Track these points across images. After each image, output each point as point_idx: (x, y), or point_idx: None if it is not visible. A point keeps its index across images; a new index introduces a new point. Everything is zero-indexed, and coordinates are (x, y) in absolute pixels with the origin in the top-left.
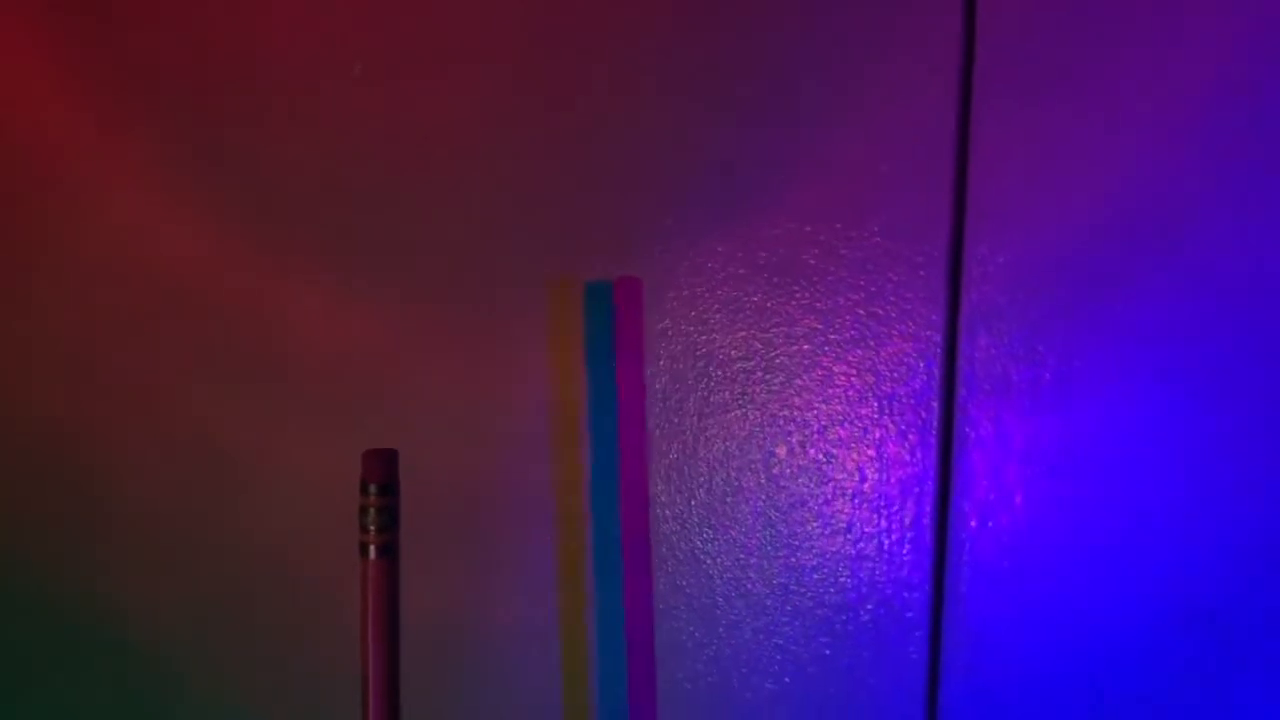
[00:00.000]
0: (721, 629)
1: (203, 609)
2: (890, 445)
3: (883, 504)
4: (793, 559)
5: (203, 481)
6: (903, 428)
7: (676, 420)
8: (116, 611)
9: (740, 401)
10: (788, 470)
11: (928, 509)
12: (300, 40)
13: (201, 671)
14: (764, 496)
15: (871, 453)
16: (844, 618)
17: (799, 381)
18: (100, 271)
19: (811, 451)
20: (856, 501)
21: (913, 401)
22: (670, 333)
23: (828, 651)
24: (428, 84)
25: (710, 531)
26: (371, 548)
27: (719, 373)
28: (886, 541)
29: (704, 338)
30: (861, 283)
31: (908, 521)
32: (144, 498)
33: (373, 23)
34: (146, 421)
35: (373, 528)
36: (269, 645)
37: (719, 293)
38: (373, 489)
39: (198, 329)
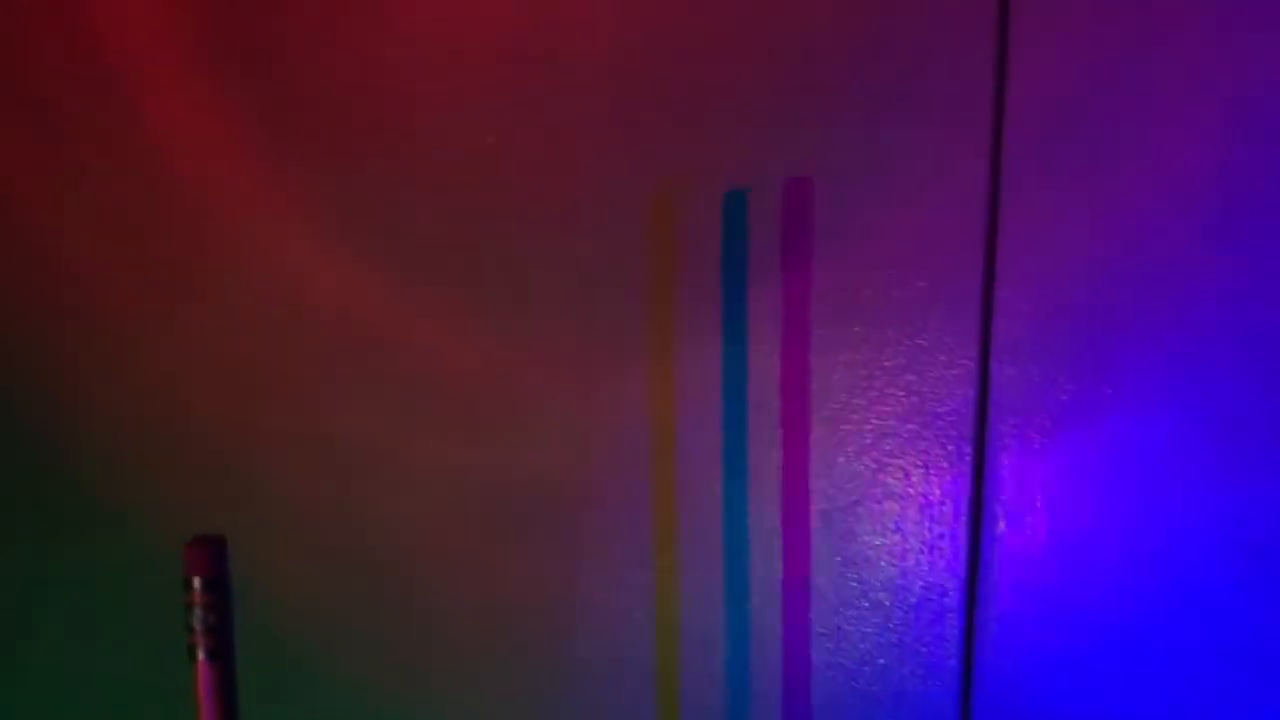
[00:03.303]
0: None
1: (341, 590)
2: (932, 456)
3: (925, 505)
4: (846, 550)
5: (345, 481)
6: (942, 441)
7: (755, 435)
8: (268, 593)
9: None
10: (845, 475)
11: (963, 510)
12: (434, 96)
13: (335, 647)
14: (825, 498)
15: (917, 461)
16: (890, 601)
17: (855, 401)
18: (258, 303)
19: (865, 460)
20: (903, 503)
21: (951, 419)
22: (751, 359)
23: (875, 632)
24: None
25: (777, 525)
26: (200, 650)
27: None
28: (928, 536)
29: (773, 363)
30: (908, 319)
31: (946, 519)
32: (292, 496)
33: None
34: (297, 430)
35: (199, 627)
36: (397, 621)
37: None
38: (197, 585)
39: (339, 346)
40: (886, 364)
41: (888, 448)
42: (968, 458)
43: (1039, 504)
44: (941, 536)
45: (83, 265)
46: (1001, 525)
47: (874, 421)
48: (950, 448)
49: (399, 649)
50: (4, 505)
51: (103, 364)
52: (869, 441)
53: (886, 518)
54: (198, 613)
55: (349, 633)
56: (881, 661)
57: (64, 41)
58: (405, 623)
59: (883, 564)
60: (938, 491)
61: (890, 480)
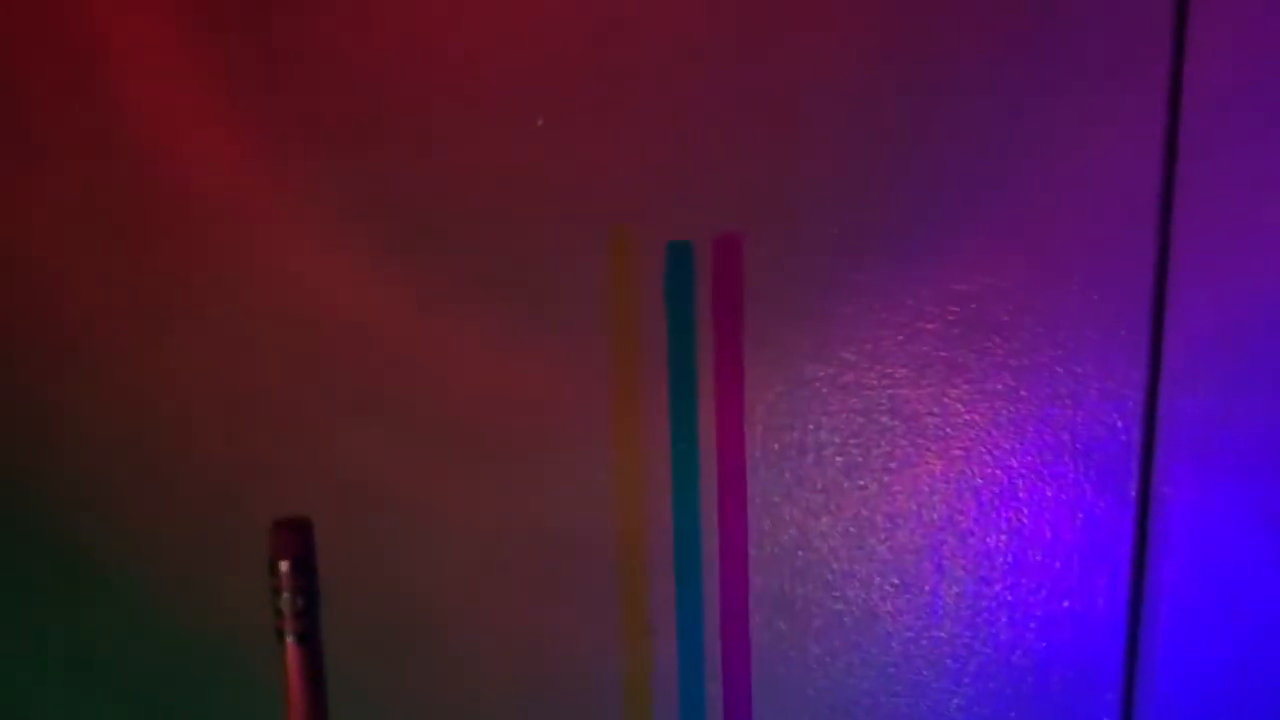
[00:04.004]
0: (900, 688)
1: (364, 647)
2: (1086, 505)
3: (1076, 565)
4: (978, 618)
5: (363, 519)
6: (1100, 487)
7: (857, 475)
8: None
9: (927, 457)
10: (977, 528)
11: (1124, 572)
12: (464, 85)
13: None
14: (950, 554)
15: (1065, 512)
16: (1031, 680)
17: (991, 438)
18: (264, 311)
19: (1003, 510)
20: (1048, 561)
21: (1110, 462)
22: (854, 385)
23: (1013, 714)
24: (599, 131)
25: (891, 589)
26: (288, 634)
27: (905, 427)
28: (1078, 603)
29: (890, 392)
30: (1059, 339)
31: (1101, 584)
32: None
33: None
34: (308, 461)
35: (287, 611)
36: (423, 673)
37: (908, 348)
38: (284, 568)
39: (358, 367)
40: (1025, 394)
41: (1030, 495)
42: (1130, 509)
43: (1217, 566)
44: (1095, 603)
45: (62, 274)
46: (1170, 594)
47: (1013, 463)
48: (1108, 496)
49: (419, 694)
50: None
51: (87, 386)
52: (1006, 488)
53: (1027, 582)
54: (286, 596)
55: (364, 680)
56: None
57: (39, 28)
58: (425, 668)
59: (1022, 636)
60: (1092, 550)
61: (1033, 534)
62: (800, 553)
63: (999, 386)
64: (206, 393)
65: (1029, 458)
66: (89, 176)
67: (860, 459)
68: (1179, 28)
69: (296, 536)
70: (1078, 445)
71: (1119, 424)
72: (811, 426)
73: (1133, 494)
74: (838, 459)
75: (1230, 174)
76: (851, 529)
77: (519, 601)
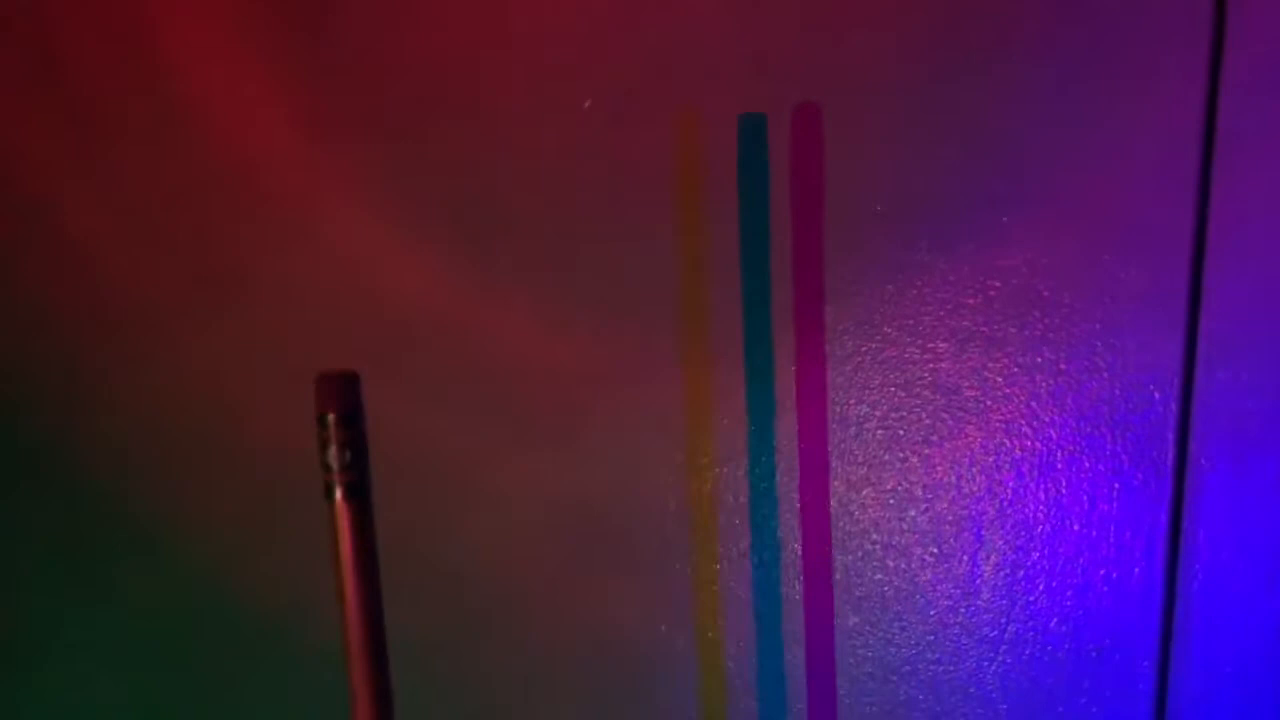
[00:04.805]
0: (938, 655)
1: (431, 625)
2: (1123, 476)
3: (1113, 535)
4: (1017, 587)
5: (420, 498)
6: (1137, 459)
7: (898, 447)
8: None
9: (967, 429)
10: (1015, 499)
11: (1160, 542)
12: (519, 65)
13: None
14: (989, 524)
15: (1103, 483)
16: (1068, 646)
17: (1030, 410)
18: (319, 292)
19: (1041, 480)
20: (1086, 531)
21: (1148, 433)
22: (895, 360)
23: (1050, 680)
24: (652, 125)
25: (930, 559)
26: (337, 488)
27: (945, 400)
28: (1115, 572)
29: (931, 365)
30: (1097, 313)
31: (1138, 553)
32: None
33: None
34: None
35: (335, 465)
36: (496, 650)
37: (949, 322)
38: (332, 421)
39: (412, 348)
40: (1065, 366)
41: (1068, 466)
42: (1167, 479)
43: (1252, 536)
44: (1132, 574)
45: (116, 259)
46: (1206, 562)
47: (1052, 434)
48: (1145, 467)
49: (491, 670)
50: (31, 513)
51: (142, 368)
52: (1045, 459)
53: (1065, 551)
54: (333, 449)
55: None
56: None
57: (94, 16)
58: (497, 645)
59: (1060, 606)
60: (1129, 520)
61: (1070, 505)
62: (842, 523)
63: (1038, 360)
64: (265, 374)
65: (1067, 429)
66: (144, 162)
67: (901, 432)
68: (1220, 2)
69: (343, 389)
70: (1116, 417)
71: (1156, 396)
72: (853, 400)
73: (1169, 464)
74: (879, 432)
75: (1269, 149)
76: (892, 500)
77: (590, 575)
